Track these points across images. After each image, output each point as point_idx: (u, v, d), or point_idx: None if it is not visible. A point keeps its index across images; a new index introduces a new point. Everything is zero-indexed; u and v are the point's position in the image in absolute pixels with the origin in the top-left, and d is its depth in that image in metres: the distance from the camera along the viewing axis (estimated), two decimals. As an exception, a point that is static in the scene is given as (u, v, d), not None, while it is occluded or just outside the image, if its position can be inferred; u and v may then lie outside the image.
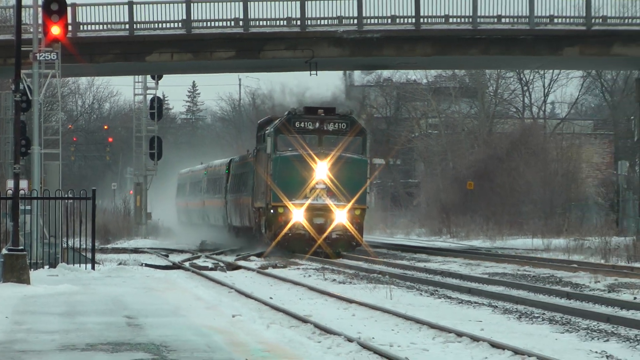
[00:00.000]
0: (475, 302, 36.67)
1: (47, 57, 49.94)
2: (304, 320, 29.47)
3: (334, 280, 49.16)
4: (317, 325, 27.72)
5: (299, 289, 43.75)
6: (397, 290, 42.08)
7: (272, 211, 49.42)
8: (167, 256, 68.98)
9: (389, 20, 68.49)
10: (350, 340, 24.19)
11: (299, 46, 69.49)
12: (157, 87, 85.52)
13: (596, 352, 23.20)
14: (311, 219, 47.07)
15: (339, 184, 47.15)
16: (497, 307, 34.53)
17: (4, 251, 38.46)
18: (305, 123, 49.47)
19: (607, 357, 22.29)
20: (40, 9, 47.49)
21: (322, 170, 46.88)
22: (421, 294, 41.16)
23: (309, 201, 46.81)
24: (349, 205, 46.99)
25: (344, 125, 49.42)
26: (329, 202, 46.46)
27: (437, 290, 41.58)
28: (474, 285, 43.79)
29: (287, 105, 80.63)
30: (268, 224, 50.53)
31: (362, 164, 47.94)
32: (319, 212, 47.19)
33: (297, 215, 46.52)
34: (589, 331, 27.36)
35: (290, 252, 50.35)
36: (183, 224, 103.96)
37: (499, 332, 26.94)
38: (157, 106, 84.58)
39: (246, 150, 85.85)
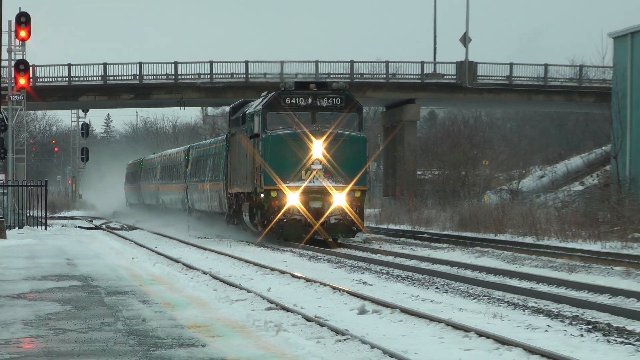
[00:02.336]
0: (284, 250, 36.80)
1: (17, 98, 53.30)
2: (176, 261, 31.07)
3: (196, 236, 46.80)
4: (184, 264, 29.43)
5: (173, 242, 43.91)
6: (235, 243, 41.02)
7: (262, 195, 35.72)
8: (92, 221, 71.86)
9: (229, 76, 76.20)
10: (204, 272, 25.98)
11: (173, 91, 77.02)
12: (85, 117, 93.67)
13: (357, 280, 24.95)
14: (307, 203, 34.53)
15: (336, 164, 35.04)
16: (295, 252, 35.04)
17: None
18: (297, 99, 35.77)
19: (363, 282, 24.11)
20: (12, 68, 49.81)
21: (318, 149, 34.38)
22: (248, 244, 40.14)
23: (305, 184, 34.47)
24: (349, 187, 34.66)
25: (338, 101, 35.86)
26: (327, 184, 34.16)
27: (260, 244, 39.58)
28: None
29: (167, 127, 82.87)
30: (258, 209, 36.67)
31: (361, 142, 36.07)
32: (315, 195, 34.71)
33: (292, 199, 34.22)
34: (352, 267, 29.30)
35: (283, 239, 36.63)
36: (132, 205, 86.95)
37: (297, 269, 27.91)
38: (86, 129, 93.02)
39: (204, 138, 75.86)
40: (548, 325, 15.69)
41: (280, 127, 35.86)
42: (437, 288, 22.46)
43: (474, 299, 19.91)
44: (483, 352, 13.15)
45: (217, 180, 49.05)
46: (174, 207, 67.30)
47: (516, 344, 13.12)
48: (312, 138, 34.25)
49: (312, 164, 34.32)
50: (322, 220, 34.63)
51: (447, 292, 21.53)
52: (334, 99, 36.10)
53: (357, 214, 34.90)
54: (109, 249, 36.75)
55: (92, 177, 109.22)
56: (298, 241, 35.03)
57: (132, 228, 60.87)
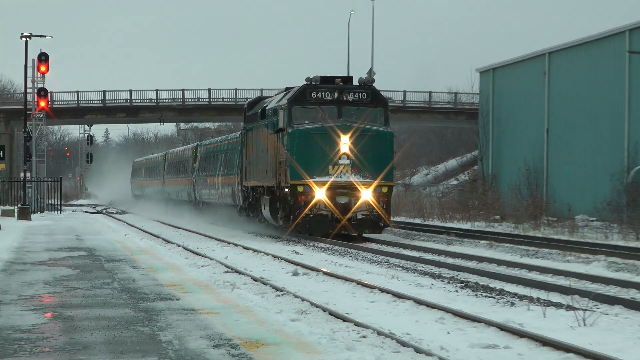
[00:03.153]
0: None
1: (39, 116, 53.93)
2: (157, 237, 30.59)
3: (207, 222, 41.41)
4: (164, 239, 28.73)
5: (155, 223, 42.83)
6: (243, 233, 33.69)
7: (288, 190, 28.40)
8: (95, 208, 70.93)
9: (197, 100, 74.26)
10: (178, 245, 25.40)
11: (155, 111, 74.49)
12: (89, 130, 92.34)
13: (290, 250, 23.81)
14: (334, 198, 27.76)
15: (364, 159, 28.43)
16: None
17: (19, 205, 44.03)
18: (324, 93, 28.83)
19: (296, 252, 22.77)
20: (35, 94, 49.22)
21: (345, 144, 27.82)
22: (258, 236, 31.87)
23: (332, 178, 27.68)
24: (376, 182, 28.07)
25: (364, 96, 28.99)
26: (354, 179, 27.68)
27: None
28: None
29: (150, 137, 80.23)
30: (283, 203, 29.21)
31: (388, 137, 29.50)
32: (342, 191, 27.93)
33: (319, 193, 27.44)
34: (287, 241, 30.54)
35: (309, 234, 28.86)
36: (137, 197, 73.11)
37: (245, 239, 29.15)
38: (90, 139, 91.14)
39: (211, 137, 65.35)
40: (432, 284, 15.73)
41: (306, 122, 28.02)
42: (350, 257, 22.09)
43: (378, 264, 19.76)
44: (384, 304, 13.26)
45: (231, 174, 38.62)
46: (179, 199, 54.93)
47: (408, 297, 13.30)
48: (340, 133, 27.23)
49: (340, 158, 27.30)
50: (349, 215, 27.01)
51: (357, 260, 21.26)
52: (360, 94, 28.63)
53: (385, 210, 27.55)
54: (107, 228, 35.97)
55: (94, 175, 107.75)
56: (324, 236, 27.47)
57: (124, 212, 60.07)
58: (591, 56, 40.64)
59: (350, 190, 27.16)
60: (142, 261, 19.21)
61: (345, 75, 29.76)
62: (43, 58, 47.19)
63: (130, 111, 76.99)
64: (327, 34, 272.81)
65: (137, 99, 75.76)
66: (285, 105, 27.91)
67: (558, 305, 12.72)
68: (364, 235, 28.20)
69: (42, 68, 47.59)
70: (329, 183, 26.87)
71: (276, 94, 33.62)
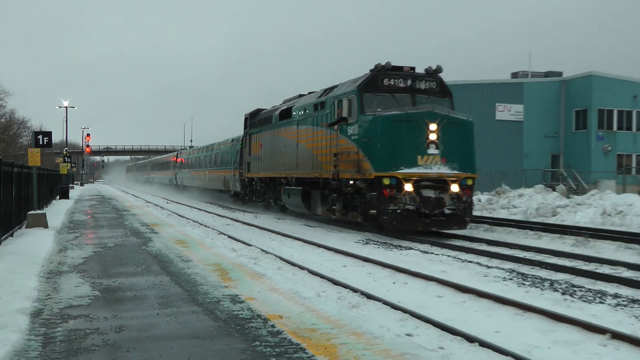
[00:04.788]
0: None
1: (86, 155, 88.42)
2: (148, 202, 51.23)
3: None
4: (145, 200, 51.13)
5: (147, 194, 61.28)
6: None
7: (371, 183, 23.58)
8: (107, 183, 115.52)
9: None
10: (162, 208, 44.64)
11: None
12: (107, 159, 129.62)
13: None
14: (421, 191, 23.22)
15: (450, 149, 24.12)
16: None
17: (81, 181, 72.63)
18: (396, 80, 24.97)
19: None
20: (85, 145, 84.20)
21: (433, 133, 23.39)
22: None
23: (421, 170, 23.25)
24: (464, 174, 24.07)
25: (434, 85, 25.47)
26: (443, 170, 23.54)
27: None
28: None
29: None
30: (362, 197, 24.29)
31: (470, 127, 25.36)
32: (429, 183, 23.48)
33: (408, 186, 22.94)
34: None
35: (394, 231, 24.08)
36: (129, 180, 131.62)
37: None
38: (103, 162, 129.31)
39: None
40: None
41: (379, 110, 24.16)
42: (459, 259, 23.80)
43: (499, 269, 21.65)
44: (356, 267, 18.90)
45: (226, 168, 46.75)
46: (162, 183, 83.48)
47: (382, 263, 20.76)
48: (427, 120, 23.53)
49: (428, 148, 23.38)
50: (438, 210, 23.24)
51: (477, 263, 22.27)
52: (431, 83, 25.44)
53: (469, 204, 24.33)
54: (119, 192, 64.64)
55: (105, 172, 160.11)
56: (411, 233, 24.09)
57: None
58: None
59: (438, 182, 23.48)
60: (139, 213, 32.43)
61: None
62: (88, 133, 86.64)
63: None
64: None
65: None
66: (355, 92, 24.69)
67: None
68: (443, 231, 24.88)
69: (87, 138, 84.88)
70: (418, 174, 23.06)
71: (284, 102, 35.98)
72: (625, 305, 11.59)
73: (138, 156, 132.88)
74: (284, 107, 33.57)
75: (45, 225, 22.77)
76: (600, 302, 11.84)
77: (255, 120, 38.39)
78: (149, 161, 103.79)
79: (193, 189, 62.23)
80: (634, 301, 11.87)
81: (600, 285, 13.40)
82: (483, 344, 8.86)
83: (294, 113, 31.07)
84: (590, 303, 11.82)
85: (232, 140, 46.69)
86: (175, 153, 73.88)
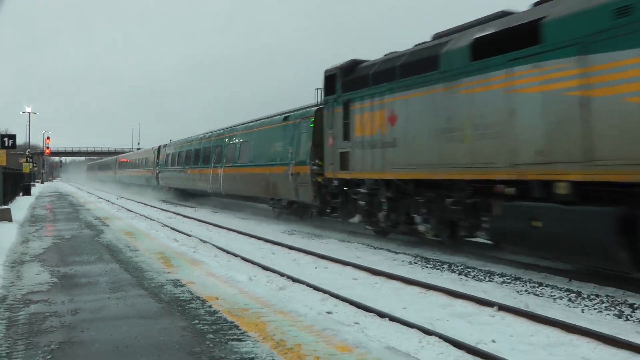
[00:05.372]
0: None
1: (46, 156, 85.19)
2: (99, 197, 52.12)
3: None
4: (104, 199, 51.79)
5: (103, 192, 63.27)
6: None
7: None
8: (64, 182, 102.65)
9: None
10: (113, 203, 45.06)
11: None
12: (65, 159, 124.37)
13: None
14: None
15: None
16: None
17: (42, 179, 69.68)
18: None
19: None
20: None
21: None
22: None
23: None
24: None
25: None
26: None
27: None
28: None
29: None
30: None
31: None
32: None
33: None
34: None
35: None
36: (89, 179, 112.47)
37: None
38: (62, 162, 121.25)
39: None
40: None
41: None
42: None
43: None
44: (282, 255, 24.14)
45: (274, 162, 24.54)
46: (131, 183, 58.77)
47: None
48: None
49: None
50: None
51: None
52: None
53: None
54: (75, 189, 59.88)
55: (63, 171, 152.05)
56: None
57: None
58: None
59: None
60: (91, 208, 32.59)
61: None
62: (47, 136, 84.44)
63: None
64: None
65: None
66: None
67: None
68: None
69: (47, 140, 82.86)
70: None
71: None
72: (509, 283, 11.88)
73: (92, 157, 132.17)
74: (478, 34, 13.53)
75: (10, 219, 22.25)
76: (489, 280, 12.12)
77: (360, 76, 17.97)
78: (113, 159, 77.70)
79: (177, 191, 43.09)
80: (516, 279, 12.18)
81: (490, 267, 13.67)
82: (393, 319, 8.94)
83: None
84: (481, 281, 12.06)
85: (287, 118, 24.91)
86: (157, 147, 48.55)
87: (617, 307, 9.88)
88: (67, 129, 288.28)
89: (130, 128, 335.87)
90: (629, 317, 9.39)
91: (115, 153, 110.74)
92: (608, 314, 9.57)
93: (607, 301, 10.28)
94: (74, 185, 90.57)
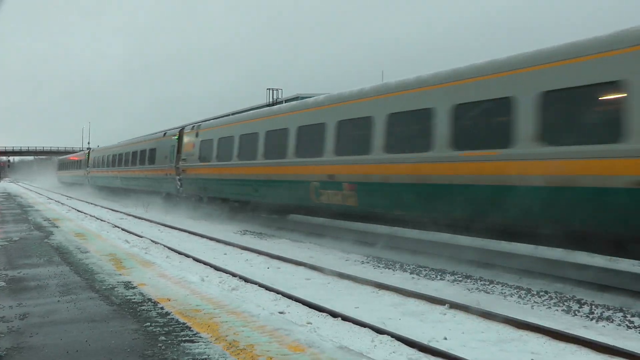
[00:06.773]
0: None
1: None
2: (49, 198, 49.42)
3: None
4: (56, 200, 47.14)
5: (44, 190, 63.18)
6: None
7: None
8: (17, 182, 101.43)
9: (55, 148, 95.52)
10: (63, 204, 41.95)
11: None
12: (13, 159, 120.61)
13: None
14: None
15: None
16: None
17: None
18: None
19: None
20: None
21: None
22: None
23: None
24: None
25: None
26: None
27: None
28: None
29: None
30: None
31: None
32: None
33: None
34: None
35: None
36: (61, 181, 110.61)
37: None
38: (9, 162, 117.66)
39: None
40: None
41: None
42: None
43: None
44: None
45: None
46: (70, 182, 65.01)
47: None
48: None
49: None
50: None
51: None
52: None
53: None
54: (25, 190, 56.48)
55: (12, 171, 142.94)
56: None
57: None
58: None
59: None
60: (41, 209, 31.95)
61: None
62: None
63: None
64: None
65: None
66: None
67: None
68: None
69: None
70: None
71: None
72: (461, 281, 12.08)
73: (41, 157, 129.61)
74: None
75: (-46, 222, 21.59)
76: (441, 279, 12.30)
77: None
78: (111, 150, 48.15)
79: (102, 187, 48.33)
80: (467, 277, 12.36)
81: (441, 265, 13.85)
82: (345, 318, 9.00)
83: None
84: (433, 280, 12.24)
85: (165, 134, 31.99)
86: (88, 151, 53.58)
87: (566, 303, 10.15)
88: (16, 128, 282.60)
89: (80, 127, 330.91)
90: (576, 312, 9.67)
91: (65, 152, 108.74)
92: (557, 310, 9.82)
93: (556, 297, 10.55)
94: (22, 186, 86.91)
